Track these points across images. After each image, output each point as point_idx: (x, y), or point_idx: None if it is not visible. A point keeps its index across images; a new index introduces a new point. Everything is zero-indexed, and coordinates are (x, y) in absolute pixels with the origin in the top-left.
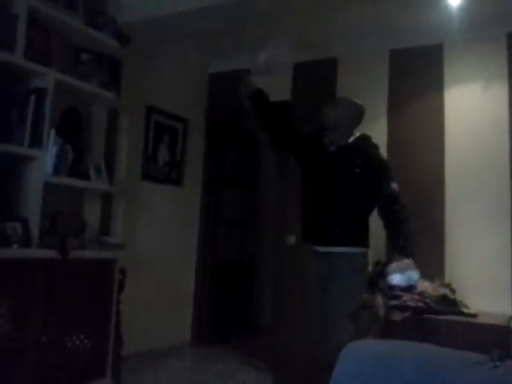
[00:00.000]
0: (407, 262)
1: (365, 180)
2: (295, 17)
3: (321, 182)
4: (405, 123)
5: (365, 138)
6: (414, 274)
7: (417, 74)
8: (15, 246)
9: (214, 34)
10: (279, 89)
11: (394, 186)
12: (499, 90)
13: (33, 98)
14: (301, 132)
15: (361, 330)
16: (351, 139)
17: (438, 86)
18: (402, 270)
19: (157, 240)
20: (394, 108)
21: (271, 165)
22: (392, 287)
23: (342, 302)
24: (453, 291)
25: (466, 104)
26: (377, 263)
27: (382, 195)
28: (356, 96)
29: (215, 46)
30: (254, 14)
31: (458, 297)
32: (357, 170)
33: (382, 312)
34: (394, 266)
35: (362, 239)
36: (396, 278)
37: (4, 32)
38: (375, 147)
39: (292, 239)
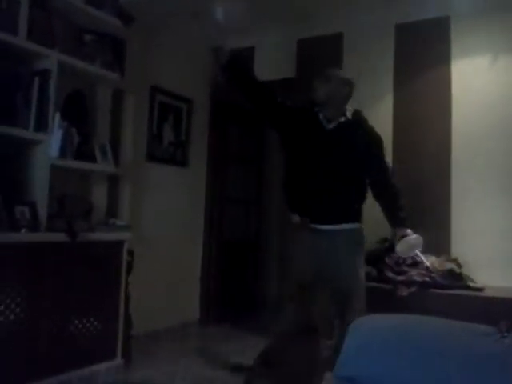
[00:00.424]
0: (415, 238)
1: (367, 155)
2: None
3: (321, 160)
4: (411, 97)
5: (359, 113)
6: (419, 251)
7: (423, 47)
8: (24, 230)
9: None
10: (283, 65)
11: (387, 160)
12: (507, 63)
13: (37, 81)
14: (286, 105)
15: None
16: (349, 115)
17: (444, 60)
18: (414, 247)
19: (164, 220)
20: (401, 82)
21: (276, 142)
22: (398, 263)
23: (346, 277)
24: (459, 266)
25: (474, 78)
26: (384, 240)
27: (380, 169)
28: (362, 72)
29: (219, 24)
30: None
31: (465, 271)
32: (360, 146)
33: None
34: (405, 240)
35: (358, 215)
36: (413, 252)
37: (6, 14)
38: (367, 121)
39: (296, 217)
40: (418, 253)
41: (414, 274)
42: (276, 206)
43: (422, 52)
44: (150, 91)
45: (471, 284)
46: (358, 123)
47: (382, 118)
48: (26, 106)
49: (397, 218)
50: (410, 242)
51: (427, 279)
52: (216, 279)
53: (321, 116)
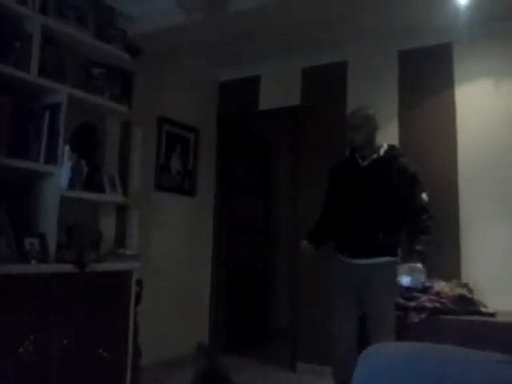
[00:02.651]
0: (417, 266)
1: (400, 190)
2: (303, 22)
3: (356, 196)
4: (416, 123)
5: (394, 148)
6: (419, 278)
7: (426, 73)
8: (34, 262)
9: (222, 43)
10: (288, 93)
11: (424, 196)
12: (510, 87)
13: (47, 114)
14: (332, 182)
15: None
16: (382, 151)
17: (448, 85)
18: (409, 273)
19: (172, 250)
20: (405, 108)
21: (283, 170)
22: (408, 288)
23: (382, 310)
24: (470, 291)
25: (478, 102)
26: None
27: (414, 205)
28: (367, 98)
29: (224, 55)
30: (264, 24)
31: (476, 296)
32: (393, 182)
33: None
34: (405, 267)
35: (395, 248)
36: (403, 279)
37: (20, 51)
38: (404, 156)
39: (305, 245)
40: (410, 280)
41: (425, 300)
42: (284, 233)
43: (426, 77)
44: (157, 122)
45: (483, 309)
46: (392, 159)
47: (387, 142)
48: (36, 139)
49: (413, 248)
50: (411, 267)
51: (438, 305)
52: (225, 308)
53: (357, 155)
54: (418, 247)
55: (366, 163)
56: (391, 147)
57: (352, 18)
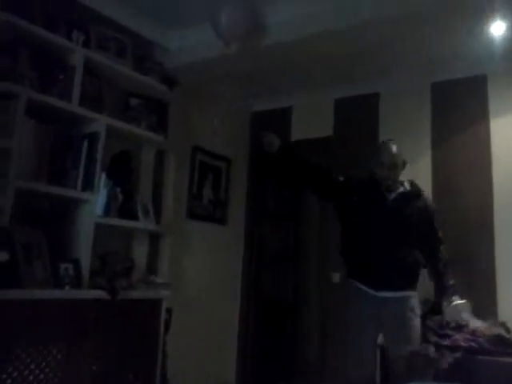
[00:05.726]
0: (464, 302)
1: (424, 223)
2: (337, 55)
3: (381, 228)
4: (450, 156)
5: (415, 184)
6: (468, 316)
7: (461, 106)
8: (67, 287)
9: (256, 74)
10: (320, 124)
11: (440, 233)
12: None
13: (86, 143)
14: (343, 180)
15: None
16: (407, 186)
17: (483, 118)
18: (464, 310)
19: (202, 278)
20: (439, 141)
21: (313, 200)
22: (442, 326)
23: (400, 344)
24: (508, 330)
25: None
26: (424, 302)
27: (434, 239)
28: (399, 130)
29: (258, 86)
30: (298, 56)
31: None
32: (418, 216)
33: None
34: (457, 305)
35: (415, 282)
36: (466, 317)
37: (64, 83)
38: (424, 192)
39: (336, 277)
40: (465, 317)
41: (459, 339)
42: (315, 264)
43: (460, 110)
44: (191, 151)
45: None
46: (416, 194)
47: (420, 176)
48: (74, 167)
49: (446, 285)
50: (458, 308)
51: (473, 344)
52: (254, 339)
53: (382, 187)
54: (451, 282)
55: (392, 197)
56: (413, 182)
57: (385, 50)
